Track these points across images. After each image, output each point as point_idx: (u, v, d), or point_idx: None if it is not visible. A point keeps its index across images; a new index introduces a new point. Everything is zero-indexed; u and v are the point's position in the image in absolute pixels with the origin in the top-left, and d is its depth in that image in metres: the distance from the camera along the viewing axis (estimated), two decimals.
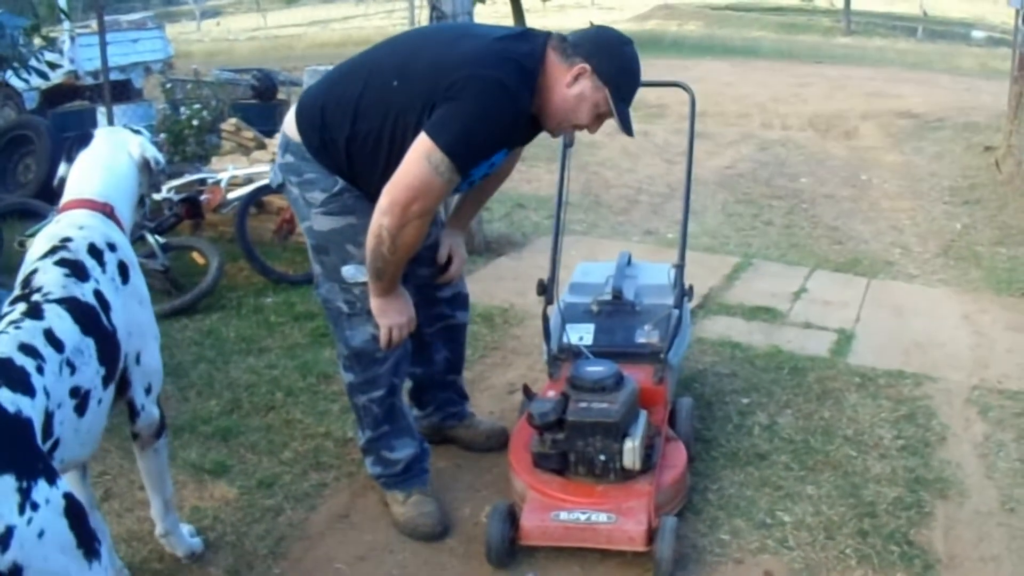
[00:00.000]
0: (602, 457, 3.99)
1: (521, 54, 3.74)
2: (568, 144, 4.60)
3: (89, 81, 14.89)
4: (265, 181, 7.73)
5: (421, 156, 3.58)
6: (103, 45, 9.27)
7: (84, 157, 3.68)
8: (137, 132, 3.90)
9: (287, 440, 4.99)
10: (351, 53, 4.29)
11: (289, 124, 4.07)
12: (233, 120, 9.73)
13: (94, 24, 12.96)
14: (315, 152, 3.94)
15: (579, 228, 8.84)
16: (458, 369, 4.89)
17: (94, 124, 10.15)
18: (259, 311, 6.76)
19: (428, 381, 4.78)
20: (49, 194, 8.99)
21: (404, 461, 4.32)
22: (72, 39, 15.40)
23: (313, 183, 3.97)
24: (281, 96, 12.17)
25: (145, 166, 3.75)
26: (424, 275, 4.42)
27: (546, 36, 3.86)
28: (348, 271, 4.00)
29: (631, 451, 3.96)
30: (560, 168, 4.91)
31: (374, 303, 3.95)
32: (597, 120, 3.85)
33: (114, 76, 11.37)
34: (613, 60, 3.78)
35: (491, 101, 3.62)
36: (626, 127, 3.82)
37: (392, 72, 3.80)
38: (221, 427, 5.08)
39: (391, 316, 3.96)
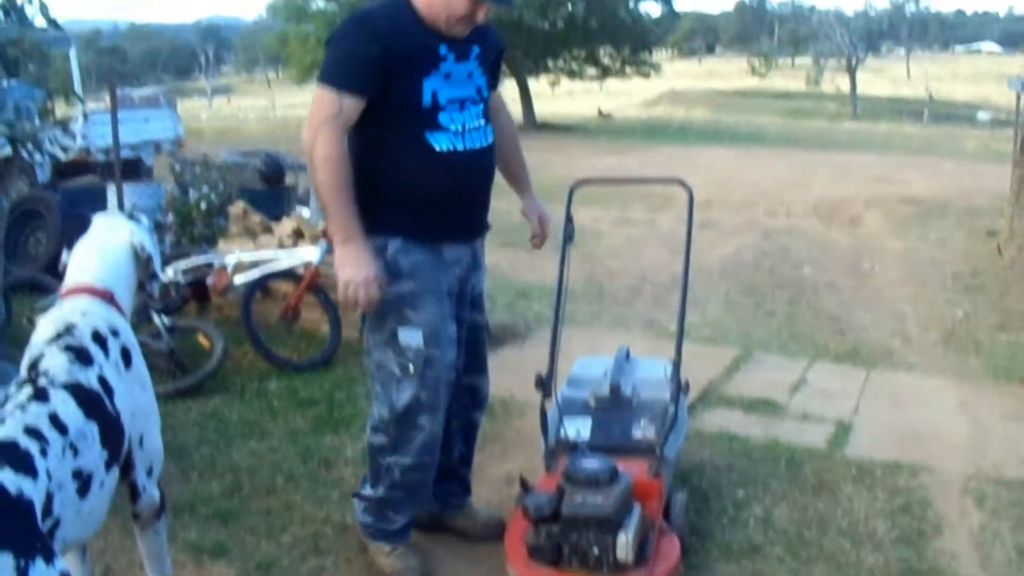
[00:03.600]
0: (596, 550, 4.03)
1: None
2: (568, 239, 4.76)
3: (101, 157, 15.06)
4: (272, 267, 7.84)
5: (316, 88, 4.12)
6: (115, 124, 9.39)
7: (82, 244, 3.81)
8: (132, 218, 4.00)
9: (286, 524, 5.01)
10: None
11: None
12: (240, 204, 9.81)
13: (107, 98, 13.11)
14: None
15: (582, 319, 8.88)
16: (469, 464, 4.98)
17: (104, 202, 10.28)
18: (262, 396, 6.82)
19: (442, 470, 4.80)
20: (58, 270, 9.10)
21: (402, 523, 4.49)
22: (85, 116, 15.58)
23: (374, 251, 4.13)
24: (288, 181, 12.27)
25: (136, 253, 3.85)
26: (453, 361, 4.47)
27: None
28: (404, 334, 4.18)
29: (624, 545, 4.01)
30: (560, 263, 5.00)
31: (336, 254, 4.14)
32: (475, 4, 4.06)
33: (125, 154, 11.51)
34: None
35: (337, 29, 4.25)
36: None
37: None
38: (222, 509, 5.12)
39: (347, 270, 4.07)
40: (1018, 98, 14.14)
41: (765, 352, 8.04)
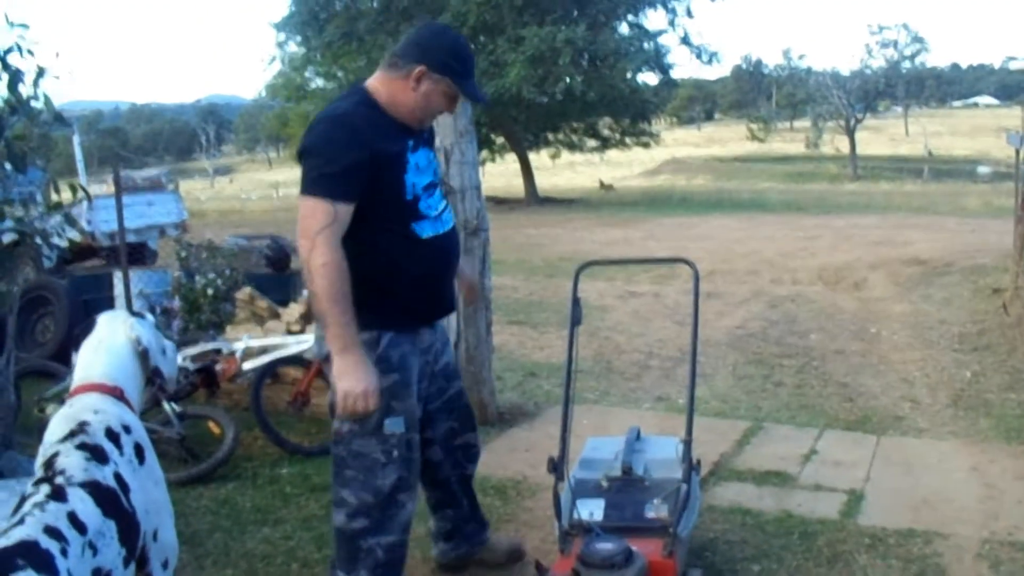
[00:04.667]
0: None
1: (339, 98, 4.46)
2: (576, 322, 4.85)
3: (105, 242, 15.12)
4: (281, 353, 7.88)
5: (301, 200, 4.15)
6: (120, 211, 9.43)
7: (88, 342, 3.86)
8: (137, 315, 4.05)
9: None
10: None
11: None
12: (247, 289, 9.83)
13: (109, 180, 13.14)
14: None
15: (591, 396, 8.90)
16: (478, 506, 5.24)
17: (110, 287, 10.31)
18: (275, 482, 6.82)
19: (460, 519, 5.10)
20: (66, 356, 9.15)
21: None
22: (89, 201, 15.64)
23: (365, 345, 4.23)
24: (294, 265, 12.32)
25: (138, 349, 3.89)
26: (443, 430, 4.81)
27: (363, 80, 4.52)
28: (390, 423, 4.34)
29: None
30: (568, 346, 5.04)
31: (334, 364, 4.15)
32: (452, 102, 4.43)
33: (129, 239, 11.57)
34: (439, 51, 4.31)
35: (315, 134, 4.23)
36: (473, 97, 4.56)
37: None
38: None
39: (347, 381, 4.10)
40: (1017, 153, 14.15)
41: (775, 423, 8.01)
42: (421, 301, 4.47)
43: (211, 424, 7.23)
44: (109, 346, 3.84)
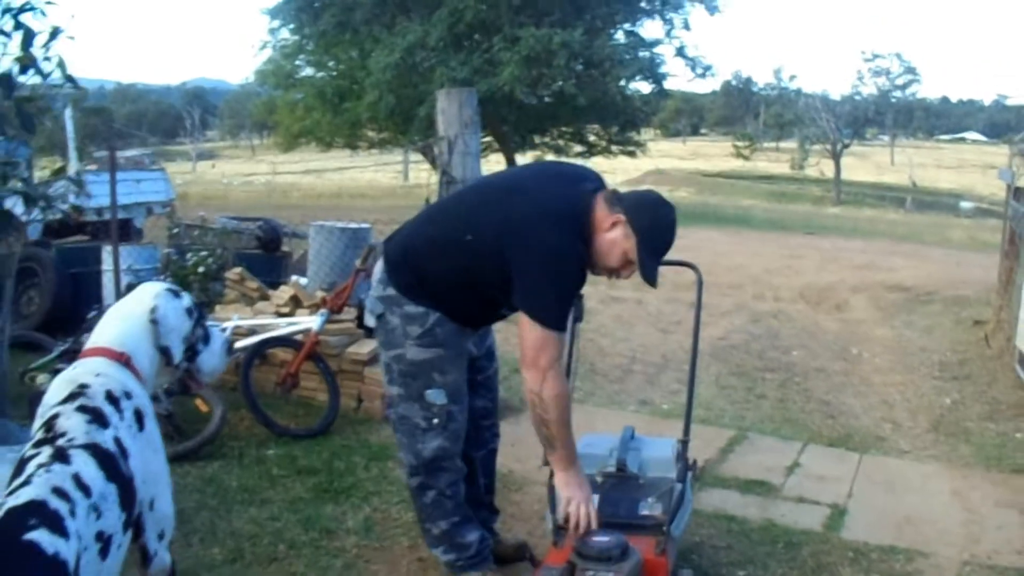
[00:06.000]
0: None
1: (572, 204, 4.46)
2: (578, 319, 4.91)
3: (93, 217, 15.01)
4: (271, 334, 7.86)
5: (528, 325, 4.32)
6: (113, 185, 9.38)
7: (111, 308, 3.82)
8: (174, 291, 3.97)
9: None
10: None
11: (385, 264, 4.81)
12: (238, 269, 9.79)
13: (94, 157, 12.96)
14: (409, 289, 4.64)
15: (576, 396, 8.65)
16: (493, 491, 5.42)
17: (98, 261, 10.21)
18: (261, 462, 6.83)
19: (472, 498, 5.15)
20: (53, 327, 9.07)
21: (475, 544, 4.93)
22: (79, 175, 15.46)
23: (412, 318, 4.64)
24: (285, 248, 12.27)
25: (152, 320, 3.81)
26: (479, 408, 5.04)
27: (596, 185, 4.64)
28: (431, 393, 4.69)
29: None
30: (569, 341, 5.05)
31: (558, 477, 4.45)
32: (627, 266, 4.49)
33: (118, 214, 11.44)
34: (647, 216, 4.45)
35: (560, 268, 4.35)
36: (647, 276, 4.42)
37: (463, 225, 4.55)
38: None
39: (573, 490, 4.40)
40: (1008, 189, 14.21)
41: (759, 434, 8.08)
42: (471, 321, 4.77)
43: (199, 402, 7.20)
44: (127, 313, 3.78)
